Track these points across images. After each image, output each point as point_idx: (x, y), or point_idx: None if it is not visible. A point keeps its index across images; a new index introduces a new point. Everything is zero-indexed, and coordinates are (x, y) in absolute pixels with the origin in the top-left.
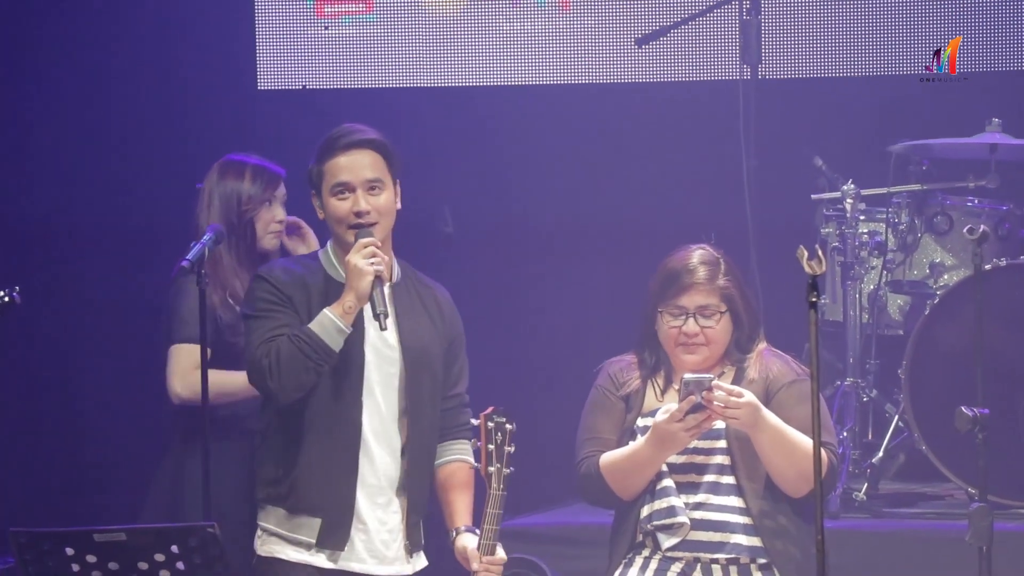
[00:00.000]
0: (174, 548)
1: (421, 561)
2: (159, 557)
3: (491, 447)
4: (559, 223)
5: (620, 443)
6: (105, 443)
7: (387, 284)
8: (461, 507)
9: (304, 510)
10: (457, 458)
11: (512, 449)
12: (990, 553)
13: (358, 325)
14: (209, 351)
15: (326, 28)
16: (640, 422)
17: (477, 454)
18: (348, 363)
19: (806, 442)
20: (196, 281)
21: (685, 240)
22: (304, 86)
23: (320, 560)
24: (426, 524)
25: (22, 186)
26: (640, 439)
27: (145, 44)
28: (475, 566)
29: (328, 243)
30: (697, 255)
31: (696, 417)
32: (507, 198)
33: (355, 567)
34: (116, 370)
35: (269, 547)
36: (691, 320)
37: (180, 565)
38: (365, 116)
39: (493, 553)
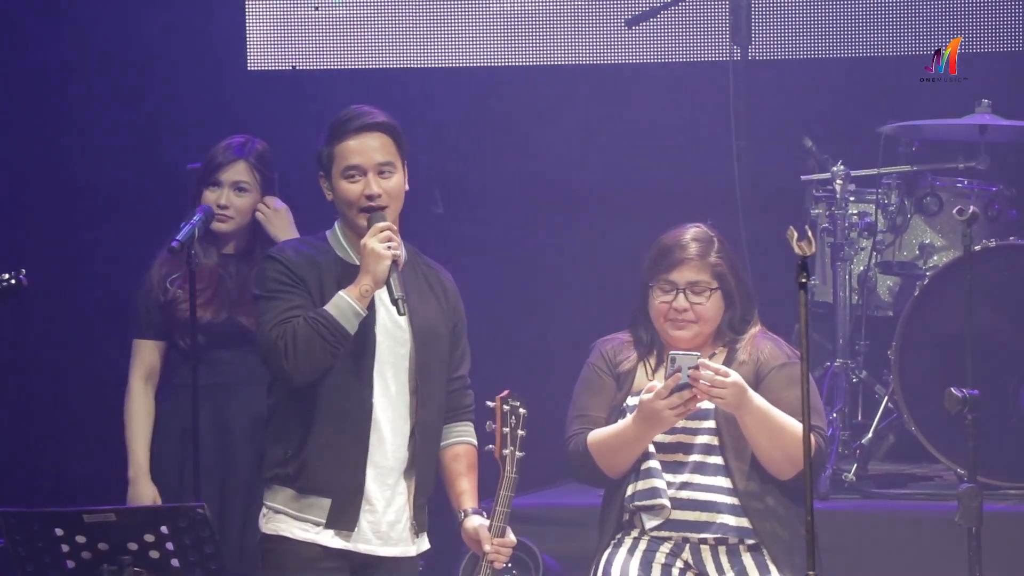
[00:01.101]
0: (163, 528)
1: (424, 543)
2: (149, 537)
3: (506, 430)
4: (548, 203)
5: (610, 421)
6: (96, 424)
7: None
8: (468, 489)
9: (314, 491)
10: (462, 440)
11: (524, 433)
12: (979, 534)
13: (370, 307)
14: (160, 343)
15: (316, 9)
16: (630, 401)
17: (492, 436)
18: (360, 344)
19: (794, 425)
20: (186, 260)
21: (675, 221)
22: (294, 67)
23: (327, 539)
24: (429, 506)
25: (8, 170)
26: (628, 417)
27: (135, 25)
28: (487, 547)
29: (336, 224)
30: (691, 232)
31: (682, 395)
32: (496, 179)
33: (362, 548)
34: (109, 352)
35: (275, 525)
36: (681, 296)
37: (169, 545)
38: (355, 97)
39: (503, 535)
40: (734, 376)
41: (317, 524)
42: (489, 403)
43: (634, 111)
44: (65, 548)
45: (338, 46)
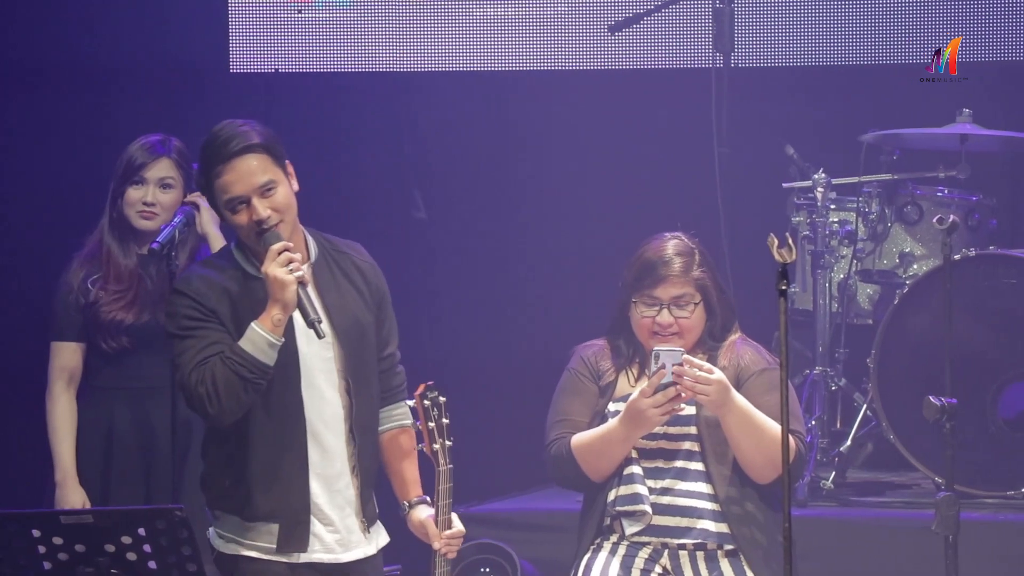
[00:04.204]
0: (141, 531)
1: (382, 537)
2: (126, 539)
3: (431, 424)
4: (528, 209)
5: (591, 426)
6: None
7: (307, 271)
8: (409, 477)
9: (260, 518)
10: (397, 424)
11: (448, 421)
12: (956, 542)
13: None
14: (81, 346)
15: (299, 12)
16: (612, 407)
17: (420, 435)
18: (282, 362)
19: (774, 427)
20: (167, 264)
21: (656, 228)
22: (276, 69)
23: (284, 558)
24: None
25: None
26: (612, 420)
27: (116, 26)
28: (436, 545)
29: (236, 240)
30: (672, 245)
31: (666, 393)
32: (476, 183)
33: (326, 558)
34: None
35: (230, 547)
36: (665, 311)
37: (147, 547)
38: (336, 100)
39: (450, 527)
40: (718, 374)
41: (268, 550)
42: (409, 402)
43: (616, 117)
44: (42, 549)
45: (320, 49)
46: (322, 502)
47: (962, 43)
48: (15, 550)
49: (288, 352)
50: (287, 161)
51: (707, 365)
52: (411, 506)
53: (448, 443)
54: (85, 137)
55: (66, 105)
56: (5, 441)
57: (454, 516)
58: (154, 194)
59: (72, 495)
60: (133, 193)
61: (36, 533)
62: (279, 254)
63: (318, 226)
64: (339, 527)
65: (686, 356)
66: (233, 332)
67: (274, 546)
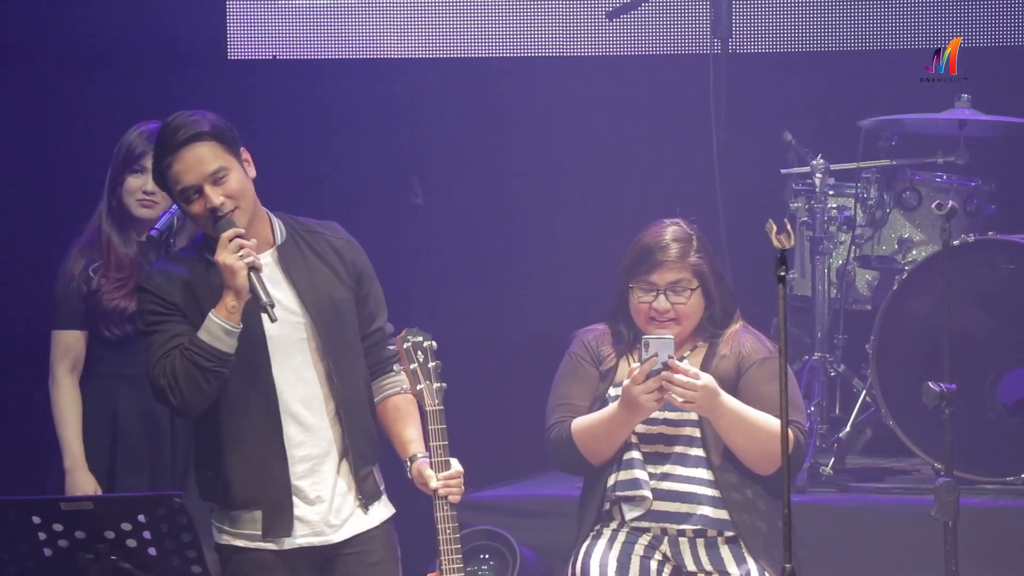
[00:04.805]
0: (141, 517)
1: (384, 510)
2: (126, 526)
3: (413, 366)
4: (527, 194)
5: (591, 411)
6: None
7: (273, 255)
8: (410, 436)
9: (241, 505)
10: (393, 392)
11: (437, 364)
12: (955, 528)
13: (247, 310)
14: (84, 333)
15: None
16: (612, 391)
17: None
18: (250, 347)
19: (770, 423)
20: (165, 251)
21: (654, 214)
22: (274, 56)
23: (271, 545)
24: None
25: None
26: (612, 404)
27: (114, 13)
28: (433, 484)
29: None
30: (670, 231)
31: (657, 380)
32: (475, 170)
33: (315, 541)
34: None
35: (225, 538)
36: (662, 296)
37: (147, 534)
38: (334, 87)
39: (448, 468)
40: (705, 379)
41: (254, 537)
42: (390, 347)
43: (614, 104)
44: (42, 536)
45: (318, 35)
46: (306, 485)
47: (962, 28)
48: (16, 536)
49: (255, 337)
50: (242, 148)
51: (693, 370)
52: (413, 461)
53: (437, 384)
54: (82, 122)
55: (62, 89)
56: (4, 429)
57: (454, 460)
58: (154, 183)
59: (83, 481)
60: (133, 181)
61: (36, 520)
62: (230, 241)
63: (316, 213)
64: (327, 508)
65: (672, 361)
66: (197, 323)
67: (259, 533)
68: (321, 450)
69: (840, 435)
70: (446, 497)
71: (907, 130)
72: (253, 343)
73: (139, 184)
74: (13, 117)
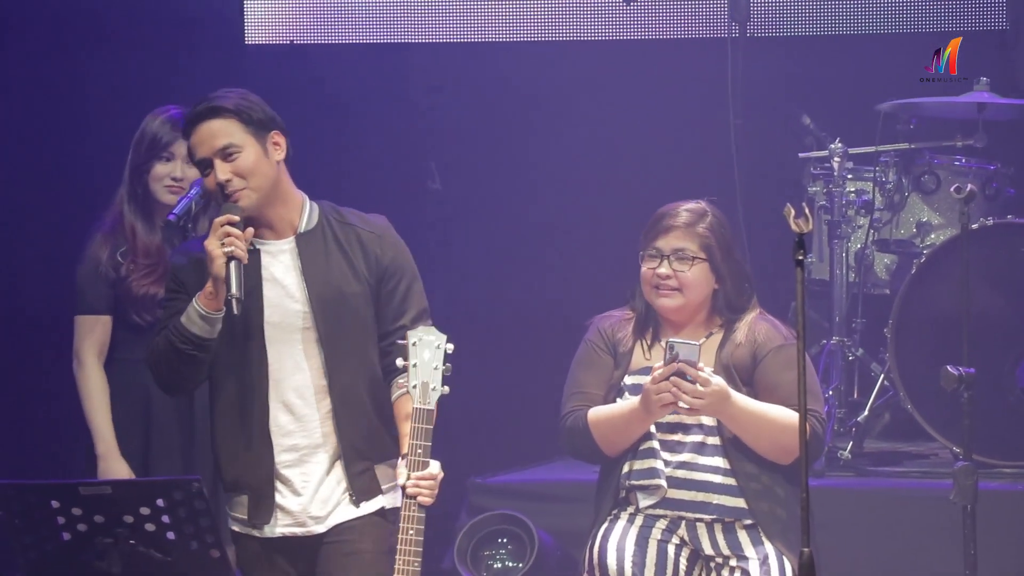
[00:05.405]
0: (159, 502)
1: (376, 502)
2: (144, 510)
3: (414, 362)
4: (545, 181)
5: (607, 399)
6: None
7: (291, 242)
8: (404, 432)
9: (232, 488)
10: (402, 392)
11: (446, 367)
12: (974, 512)
13: (254, 290)
14: (110, 319)
15: None
16: (628, 379)
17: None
18: (246, 332)
19: (784, 416)
20: (183, 236)
21: (672, 198)
22: (291, 41)
23: (255, 531)
24: None
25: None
26: (633, 398)
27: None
28: (401, 481)
29: None
30: (687, 204)
31: (668, 383)
32: (493, 154)
33: (298, 532)
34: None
35: (230, 521)
36: (665, 262)
37: (165, 518)
38: (351, 72)
39: (424, 469)
40: (716, 383)
41: (244, 522)
42: (400, 341)
43: (631, 88)
44: (61, 520)
45: (336, 21)
46: (292, 474)
47: (981, 10)
48: (35, 521)
49: (252, 323)
50: (274, 132)
51: (703, 376)
52: (401, 460)
53: (434, 385)
54: (97, 106)
55: (77, 71)
56: (23, 414)
57: (434, 462)
58: (182, 169)
59: (117, 467)
60: (161, 168)
61: (55, 504)
62: (220, 227)
63: (332, 198)
64: (311, 500)
65: (684, 365)
66: None
67: (246, 517)
68: (312, 441)
69: (858, 419)
70: (415, 497)
71: (925, 113)
72: (250, 328)
73: (167, 171)
74: (24, 101)
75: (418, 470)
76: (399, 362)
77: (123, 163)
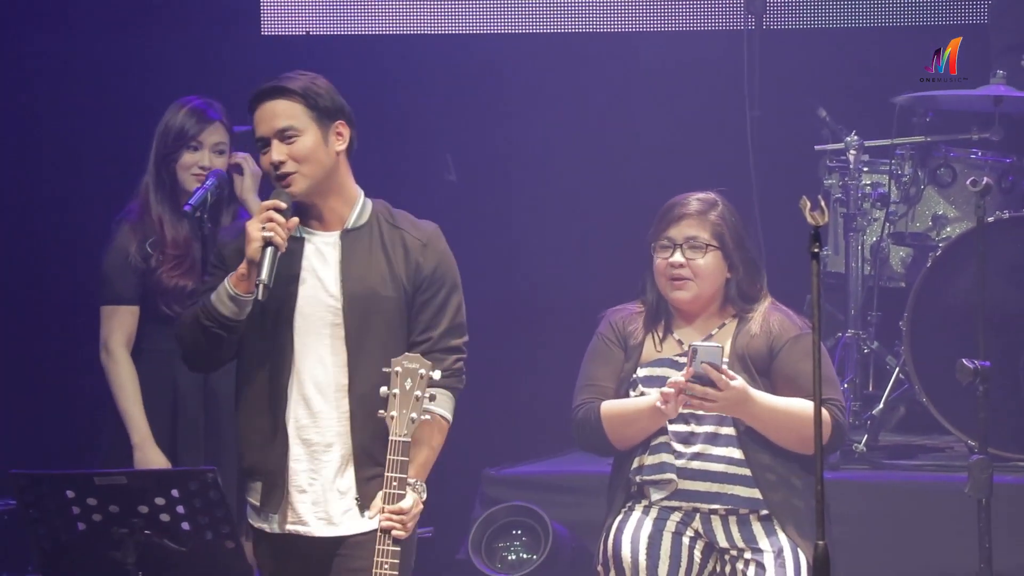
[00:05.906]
0: (174, 492)
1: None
2: (159, 501)
3: (395, 391)
4: (562, 172)
5: (618, 392)
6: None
7: (336, 236)
8: (412, 460)
9: (248, 474)
10: (427, 416)
11: (428, 395)
12: (989, 505)
13: (292, 279)
14: (138, 308)
15: None
16: (640, 371)
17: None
18: (276, 320)
19: (805, 409)
20: (199, 226)
21: (687, 190)
22: (307, 32)
23: (265, 524)
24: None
25: (20, 152)
26: (649, 392)
27: None
28: (371, 513)
29: None
30: (698, 194)
31: (694, 388)
32: (510, 146)
33: (301, 530)
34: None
35: (248, 514)
36: (678, 251)
37: (180, 509)
38: (367, 62)
39: (399, 502)
40: (737, 383)
41: (255, 507)
42: (385, 369)
43: (648, 80)
44: (76, 510)
45: (352, 11)
46: (302, 468)
47: (994, 3)
48: (50, 511)
49: (283, 312)
50: (340, 122)
51: (723, 379)
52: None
53: (413, 415)
54: (114, 96)
55: (94, 61)
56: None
57: (410, 493)
58: (210, 159)
59: (153, 456)
60: (189, 158)
61: (70, 494)
62: (265, 211)
63: None
64: (317, 500)
65: (706, 367)
66: None
67: (258, 503)
68: (324, 440)
69: (873, 412)
70: (388, 531)
71: (942, 106)
72: (281, 317)
73: (195, 160)
74: (43, 92)
75: (393, 503)
76: (382, 390)
77: (143, 152)
